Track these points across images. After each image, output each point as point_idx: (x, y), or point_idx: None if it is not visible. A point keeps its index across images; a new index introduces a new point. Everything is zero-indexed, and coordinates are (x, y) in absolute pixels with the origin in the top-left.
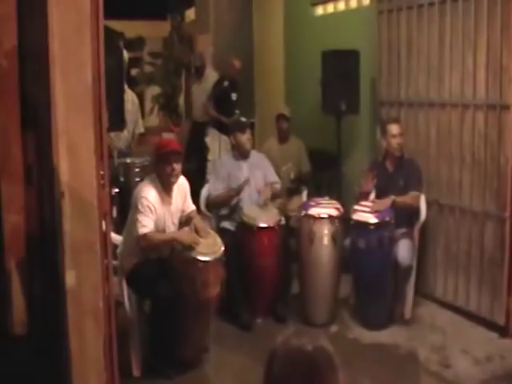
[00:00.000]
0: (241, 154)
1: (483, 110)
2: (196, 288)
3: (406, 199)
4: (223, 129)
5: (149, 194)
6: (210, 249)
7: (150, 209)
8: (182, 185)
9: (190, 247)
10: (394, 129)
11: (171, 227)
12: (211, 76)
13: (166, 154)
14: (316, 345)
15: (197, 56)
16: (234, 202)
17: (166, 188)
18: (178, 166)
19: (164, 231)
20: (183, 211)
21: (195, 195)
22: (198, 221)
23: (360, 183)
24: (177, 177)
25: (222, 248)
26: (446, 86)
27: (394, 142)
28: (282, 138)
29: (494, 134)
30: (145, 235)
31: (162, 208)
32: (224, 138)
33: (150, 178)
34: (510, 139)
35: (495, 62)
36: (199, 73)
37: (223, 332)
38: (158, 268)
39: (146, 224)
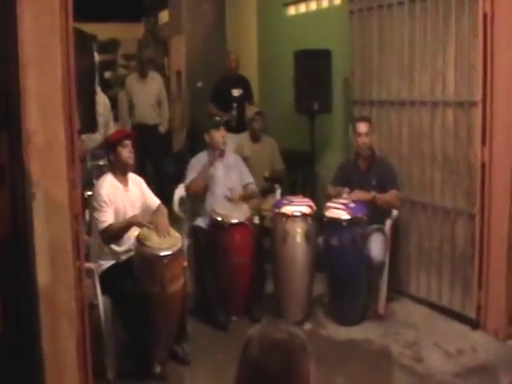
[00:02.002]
0: (215, 152)
1: (452, 107)
2: (163, 284)
3: (385, 197)
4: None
5: (102, 188)
6: (169, 242)
7: (106, 202)
8: (135, 179)
9: (146, 236)
10: (360, 127)
11: (135, 213)
12: (155, 77)
13: (121, 138)
14: (290, 330)
15: (142, 57)
16: (207, 192)
17: (120, 177)
18: (132, 149)
19: (125, 217)
20: (148, 206)
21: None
22: (162, 217)
23: (328, 189)
24: (132, 159)
25: (180, 239)
26: (417, 84)
27: (360, 140)
28: (255, 138)
29: (463, 131)
30: (104, 229)
31: (120, 196)
32: (231, 136)
33: (103, 176)
34: (478, 135)
35: (463, 60)
36: (143, 74)
37: (198, 331)
38: (125, 269)
39: (103, 219)
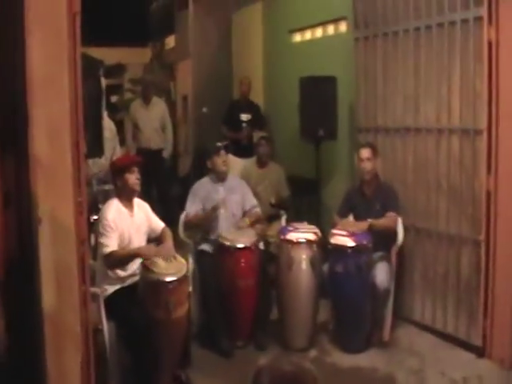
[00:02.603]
0: (217, 176)
1: (458, 135)
2: (169, 309)
3: (382, 221)
4: (238, 152)
5: (107, 213)
6: (175, 268)
7: (111, 227)
8: (140, 203)
9: (151, 261)
10: (362, 153)
11: (139, 239)
12: (158, 103)
13: (129, 164)
14: (302, 365)
15: (144, 82)
16: (210, 223)
17: (126, 202)
18: (139, 175)
19: (131, 243)
20: (153, 230)
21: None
22: (167, 242)
23: (334, 219)
24: (139, 186)
25: (185, 264)
26: (422, 111)
27: (362, 165)
28: (261, 163)
29: (469, 158)
30: (108, 254)
31: (125, 221)
32: (238, 160)
33: (109, 201)
34: (484, 164)
35: (469, 88)
36: (146, 100)
37: (202, 358)
38: (130, 294)
39: (108, 244)
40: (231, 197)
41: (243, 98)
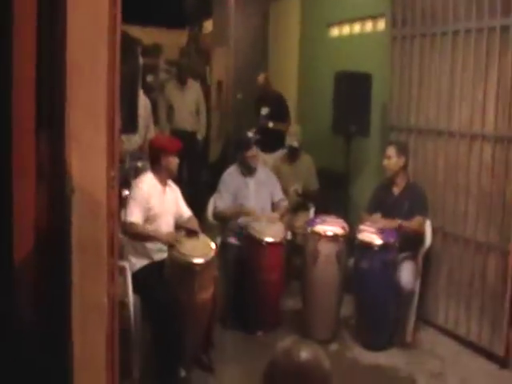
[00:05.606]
0: (247, 170)
1: (491, 142)
2: (193, 291)
3: (411, 224)
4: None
5: (142, 183)
6: (202, 251)
7: (143, 196)
8: (172, 186)
9: (171, 246)
10: (387, 150)
11: (166, 219)
12: (193, 85)
13: (172, 148)
14: (318, 356)
15: (182, 65)
16: (238, 220)
17: (160, 180)
18: (177, 159)
19: (158, 220)
20: (180, 216)
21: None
22: (192, 223)
23: (361, 215)
24: (177, 169)
25: (214, 248)
26: (456, 115)
27: (385, 162)
28: (292, 159)
29: (501, 166)
30: (130, 223)
31: (157, 197)
32: (267, 157)
33: (144, 173)
34: None
35: (505, 95)
36: (182, 81)
37: (225, 342)
38: (157, 272)
39: (134, 213)
40: (261, 190)
41: (263, 91)
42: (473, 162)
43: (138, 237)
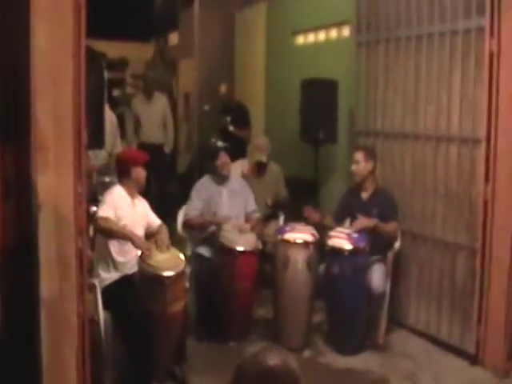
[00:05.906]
0: (220, 178)
1: (456, 144)
2: (165, 304)
3: (387, 227)
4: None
5: (112, 193)
6: (172, 263)
7: (114, 201)
8: (140, 198)
9: (143, 254)
10: (355, 155)
11: (137, 230)
12: (160, 98)
13: (139, 159)
14: (284, 361)
15: (148, 78)
16: (210, 229)
17: (130, 193)
18: (145, 171)
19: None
20: (150, 225)
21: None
22: (162, 235)
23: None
24: (144, 181)
25: (183, 260)
26: (421, 118)
27: (353, 167)
28: (260, 173)
29: (467, 166)
30: (104, 218)
31: (126, 208)
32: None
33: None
34: (482, 173)
35: (469, 97)
36: (148, 95)
37: (197, 354)
38: (127, 285)
39: (106, 210)
40: (234, 200)
41: (225, 101)
42: (439, 163)
43: (112, 233)
